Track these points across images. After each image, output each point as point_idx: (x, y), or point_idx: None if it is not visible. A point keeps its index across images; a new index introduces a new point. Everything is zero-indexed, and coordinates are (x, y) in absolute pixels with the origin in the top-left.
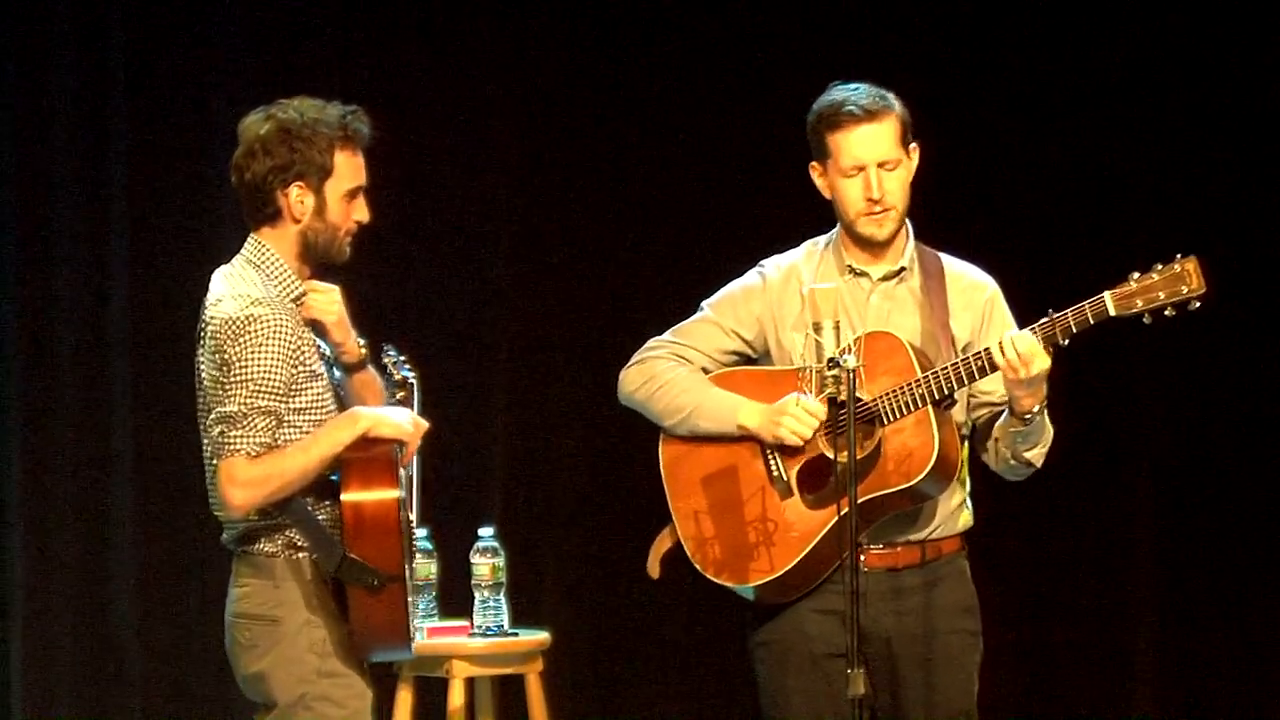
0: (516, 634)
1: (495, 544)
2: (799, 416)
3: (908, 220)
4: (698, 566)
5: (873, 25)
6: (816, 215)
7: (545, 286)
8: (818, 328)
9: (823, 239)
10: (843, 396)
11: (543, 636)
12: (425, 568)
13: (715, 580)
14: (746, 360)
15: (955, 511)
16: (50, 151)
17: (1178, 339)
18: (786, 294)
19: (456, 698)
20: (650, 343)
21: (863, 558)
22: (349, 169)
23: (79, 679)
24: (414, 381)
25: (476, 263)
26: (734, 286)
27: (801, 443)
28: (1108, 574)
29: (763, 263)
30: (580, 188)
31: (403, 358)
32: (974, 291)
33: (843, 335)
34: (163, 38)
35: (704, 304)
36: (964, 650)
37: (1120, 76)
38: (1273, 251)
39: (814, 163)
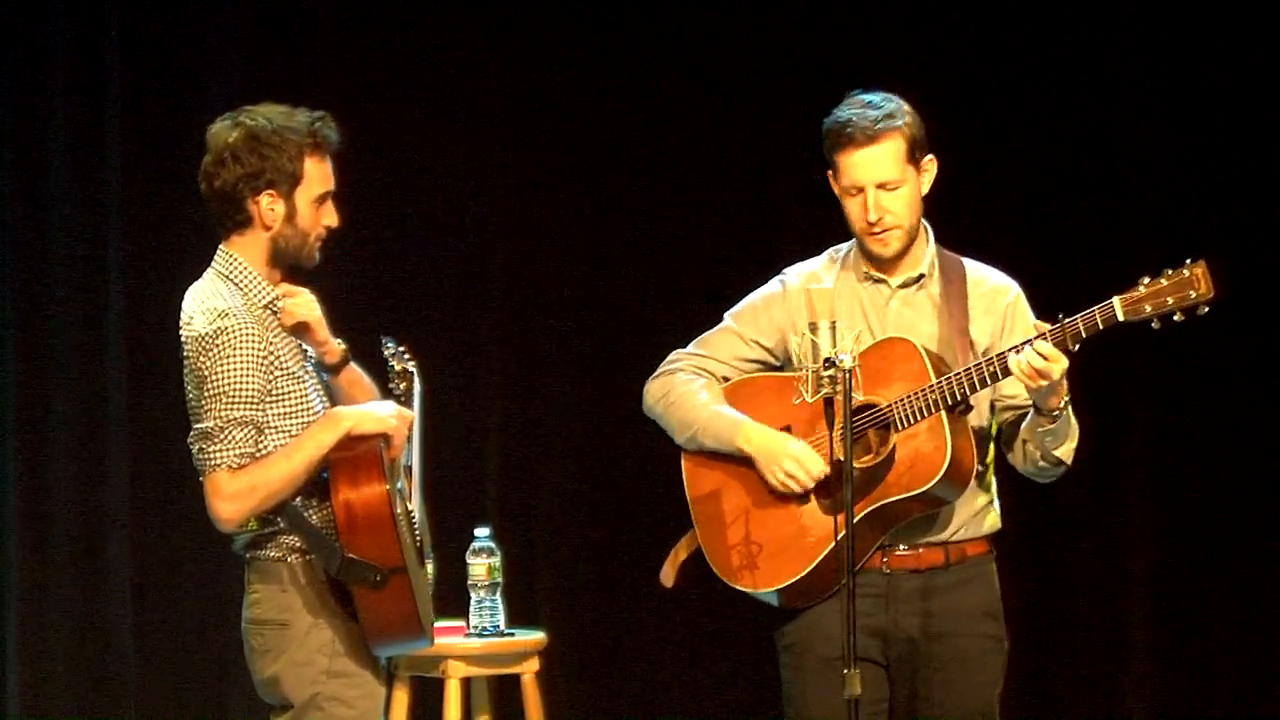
0: (512, 634)
1: (491, 544)
2: (794, 474)
3: (928, 225)
4: (717, 572)
5: (887, 29)
6: (820, 222)
7: (541, 286)
8: (814, 327)
9: (844, 246)
10: (840, 397)
11: (539, 637)
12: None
13: (734, 586)
14: (769, 367)
15: (980, 514)
16: (47, 154)
17: (1173, 341)
18: (805, 301)
19: (453, 698)
20: (673, 355)
21: (886, 559)
22: (318, 175)
23: (74, 678)
24: (414, 371)
25: (472, 262)
26: (755, 296)
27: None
28: (1103, 576)
29: (785, 271)
30: (576, 186)
31: (401, 348)
32: (995, 296)
33: (839, 335)
34: (158, 41)
35: (726, 314)
36: (985, 654)
37: (1132, 81)
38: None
39: (830, 171)
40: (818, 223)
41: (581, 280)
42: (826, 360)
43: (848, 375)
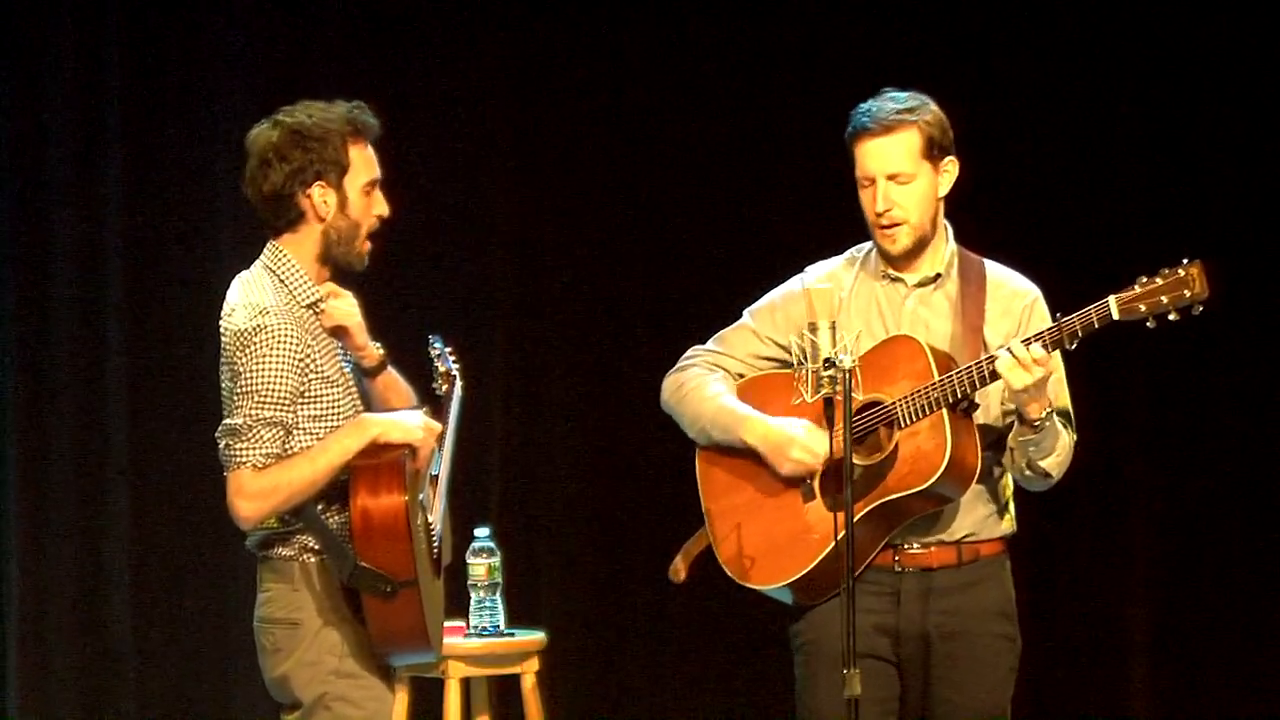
0: (512, 634)
1: (491, 544)
2: (802, 460)
3: (948, 225)
4: (724, 569)
5: (889, 30)
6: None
7: (542, 287)
8: (813, 327)
9: (865, 245)
10: (839, 397)
11: (538, 637)
12: None
13: (741, 583)
14: (785, 365)
15: (995, 516)
16: (46, 152)
17: (1174, 341)
18: (806, 301)
19: (453, 698)
20: (690, 351)
21: (898, 557)
22: (363, 162)
23: (74, 679)
24: (458, 374)
25: (473, 263)
26: (775, 293)
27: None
28: (1103, 576)
29: (806, 269)
30: (579, 188)
31: (448, 349)
32: (1013, 299)
33: (838, 335)
34: (159, 38)
35: (746, 311)
36: (997, 653)
37: (1131, 82)
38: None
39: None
40: (822, 226)
41: (584, 281)
42: (826, 360)
43: (847, 375)
